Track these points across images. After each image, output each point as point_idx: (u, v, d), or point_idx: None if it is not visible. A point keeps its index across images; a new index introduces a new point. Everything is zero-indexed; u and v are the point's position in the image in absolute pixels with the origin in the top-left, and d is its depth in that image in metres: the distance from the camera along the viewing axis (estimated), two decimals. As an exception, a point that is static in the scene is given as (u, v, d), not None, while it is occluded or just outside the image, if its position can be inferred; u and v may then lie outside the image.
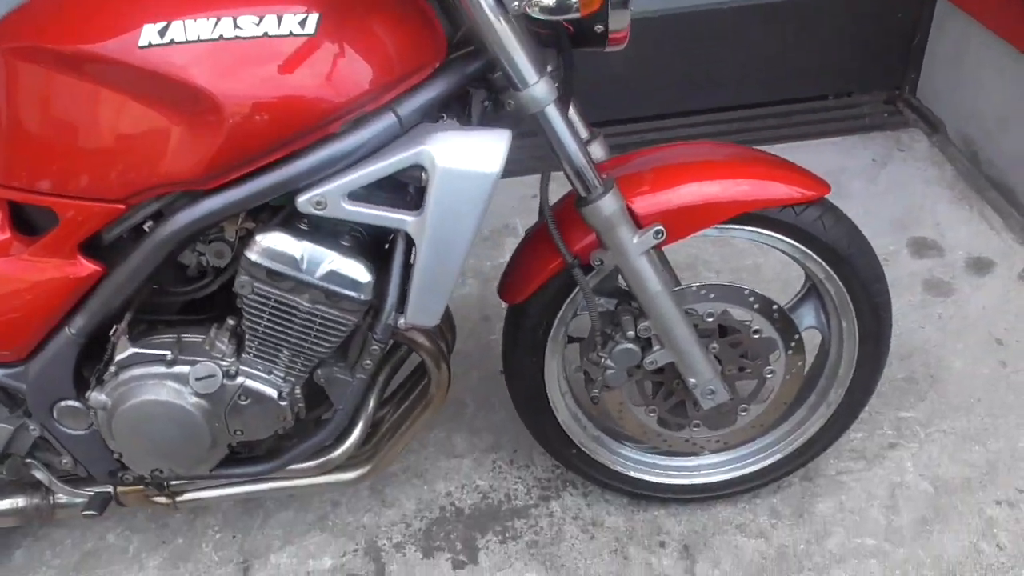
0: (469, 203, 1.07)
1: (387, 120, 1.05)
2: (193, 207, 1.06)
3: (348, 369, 1.24)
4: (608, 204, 1.15)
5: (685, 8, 2.29)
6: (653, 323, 1.27)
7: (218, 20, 0.98)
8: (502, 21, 1.01)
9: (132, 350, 1.19)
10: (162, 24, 0.97)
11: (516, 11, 1.01)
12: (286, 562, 1.54)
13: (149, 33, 0.97)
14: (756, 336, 1.33)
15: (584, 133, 1.25)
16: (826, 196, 1.25)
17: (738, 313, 1.31)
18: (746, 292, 1.29)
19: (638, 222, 1.19)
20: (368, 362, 1.21)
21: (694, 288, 1.29)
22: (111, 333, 1.20)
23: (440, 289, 1.15)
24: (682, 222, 1.21)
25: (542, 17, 1.04)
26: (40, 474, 1.34)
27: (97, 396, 1.19)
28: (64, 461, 1.33)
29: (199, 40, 0.98)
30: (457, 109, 1.17)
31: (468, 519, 1.58)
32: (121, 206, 1.07)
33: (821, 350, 1.47)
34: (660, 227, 1.19)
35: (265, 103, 1.00)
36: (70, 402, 1.23)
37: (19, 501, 1.37)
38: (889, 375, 1.58)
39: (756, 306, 1.31)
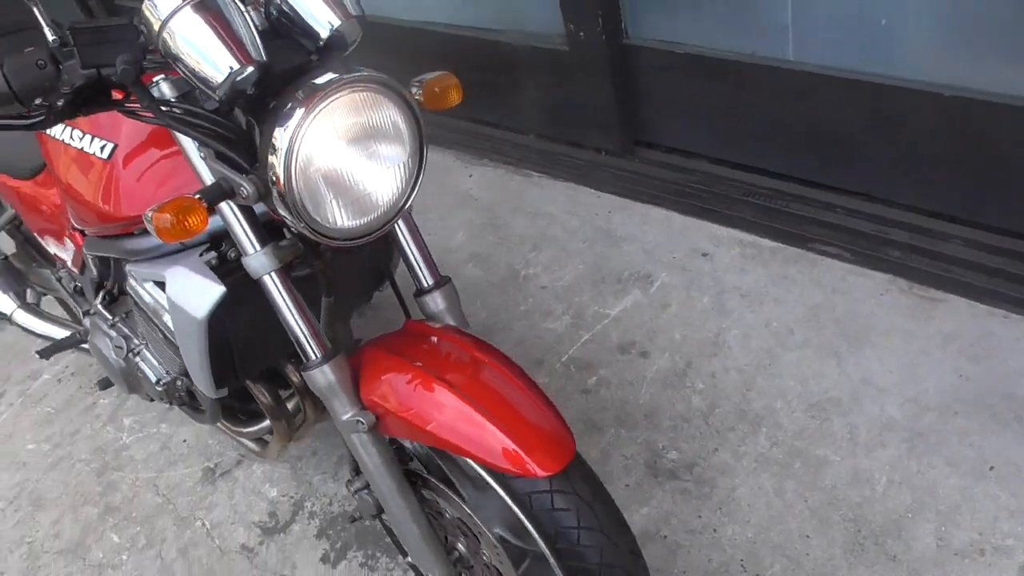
0: (185, 330, 1.27)
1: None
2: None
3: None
4: (319, 376, 1.13)
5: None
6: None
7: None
8: (229, 206, 1.10)
9: None
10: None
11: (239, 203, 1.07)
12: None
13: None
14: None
15: (426, 281, 1.23)
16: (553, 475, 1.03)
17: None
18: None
19: (361, 402, 1.15)
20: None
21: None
22: None
23: (195, 371, 1.33)
24: (398, 427, 1.14)
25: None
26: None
27: None
28: None
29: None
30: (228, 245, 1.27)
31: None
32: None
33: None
34: (368, 418, 1.13)
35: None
36: None
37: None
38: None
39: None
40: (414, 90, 1.16)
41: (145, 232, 1.32)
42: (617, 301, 2.14)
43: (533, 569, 1.24)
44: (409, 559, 1.56)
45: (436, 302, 1.24)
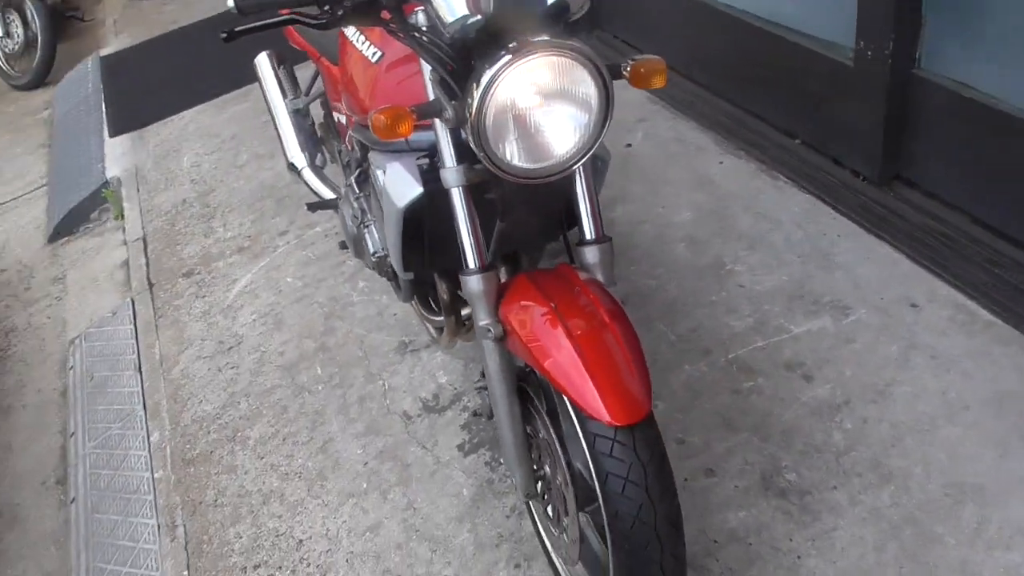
0: (389, 214, 1.54)
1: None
2: None
3: None
4: (472, 282, 1.36)
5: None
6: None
7: None
8: (441, 125, 1.34)
9: None
10: None
11: None
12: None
13: None
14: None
15: (589, 233, 1.41)
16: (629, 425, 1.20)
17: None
18: None
19: (497, 315, 1.36)
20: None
21: None
22: None
23: (392, 251, 1.60)
24: (520, 349, 1.33)
25: None
26: None
27: None
28: None
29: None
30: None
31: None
32: None
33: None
34: (497, 329, 1.36)
35: None
36: None
37: None
38: None
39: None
40: (624, 68, 1.32)
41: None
42: (805, 321, 2.14)
43: (597, 515, 1.40)
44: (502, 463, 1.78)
45: (592, 255, 1.40)
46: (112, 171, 3.92)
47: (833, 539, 1.66)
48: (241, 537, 1.99)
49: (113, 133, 4.26)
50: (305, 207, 2.40)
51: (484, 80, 1.17)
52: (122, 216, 3.60)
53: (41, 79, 5.51)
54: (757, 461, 1.83)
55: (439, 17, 1.23)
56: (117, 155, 4.05)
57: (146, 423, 2.45)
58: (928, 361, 1.96)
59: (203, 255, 3.08)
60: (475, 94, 1.18)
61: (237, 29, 1.30)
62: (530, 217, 1.51)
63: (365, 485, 2.02)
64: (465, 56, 1.26)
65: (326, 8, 1.27)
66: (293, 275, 2.82)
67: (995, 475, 1.69)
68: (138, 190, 3.69)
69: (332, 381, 2.35)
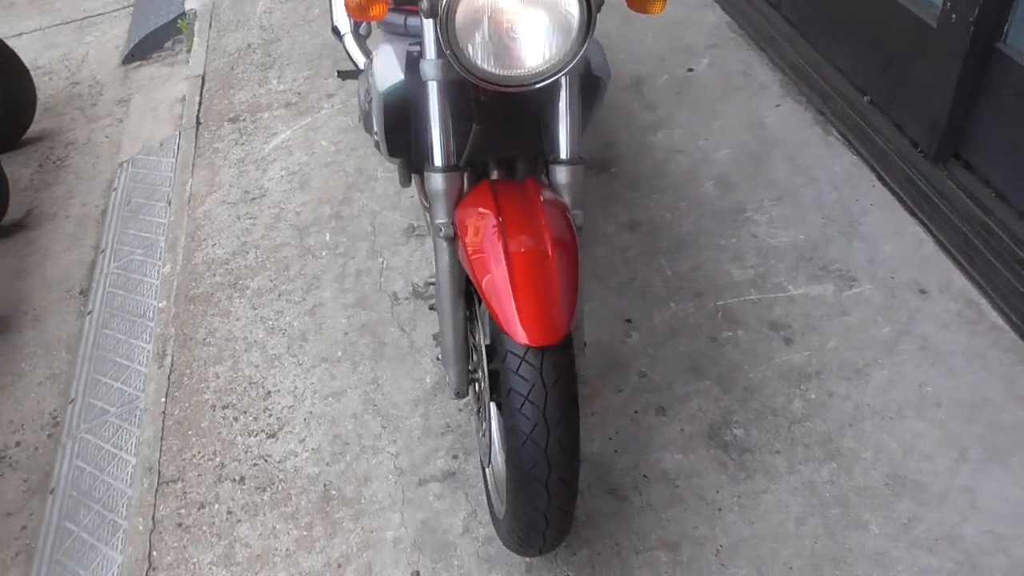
0: (374, 97, 1.55)
1: None
2: None
3: None
4: (434, 180, 1.37)
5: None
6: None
7: None
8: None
9: None
10: None
11: None
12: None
13: None
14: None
15: (562, 153, 1.38)
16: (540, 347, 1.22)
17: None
18: None
19: (453, 217, 1.37)
20: None
21: None
22: None
23: (379, 134, 1.62)
24: (463, 256, 1.33)
25: None
26: None
27: None
28: None
29: None
30: None
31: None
32: None
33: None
34: (448, 231, 1.37)
35: None
36: None
37: None
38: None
39: None
40: None
41: (395, 10, 1.59)
42: (806, 284, 2.08)
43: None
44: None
45: (562, 175, 1.38)
46: (191, 3, 3.97)
47: (759, 500, 1.66)
48: (219, 377, 2.11)
49: (202, -35, 4.29)
50: (336, 72, 2.40)
51: None
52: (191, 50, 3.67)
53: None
54: (711, 411, 1.83)
55: None
56: (200, -11, 4.10)
57: (163, 254, 2.57)
58: (917, 351, 1.89)
59: (252, 103, 3.13)
60: None
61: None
62: (506, 126, 1.49)
63: (340, 354, 2.10)
64: None
65: None
66: (329, 139, 2.86)
67: (942, 478, 1.65)
68: (210, 26, 3.74)
69: (337, 249, 2.41)
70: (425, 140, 1.50)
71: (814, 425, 1.78)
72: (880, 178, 2.37)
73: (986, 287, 2.01)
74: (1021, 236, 2.11)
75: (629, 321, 2.05)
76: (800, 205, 2.31)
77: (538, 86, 1.26)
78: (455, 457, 1.82)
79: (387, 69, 1.47)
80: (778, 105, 2.69)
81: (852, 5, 2.62)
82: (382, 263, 2.34)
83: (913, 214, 2.24)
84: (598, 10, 1.25)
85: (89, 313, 2.54)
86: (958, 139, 2.31)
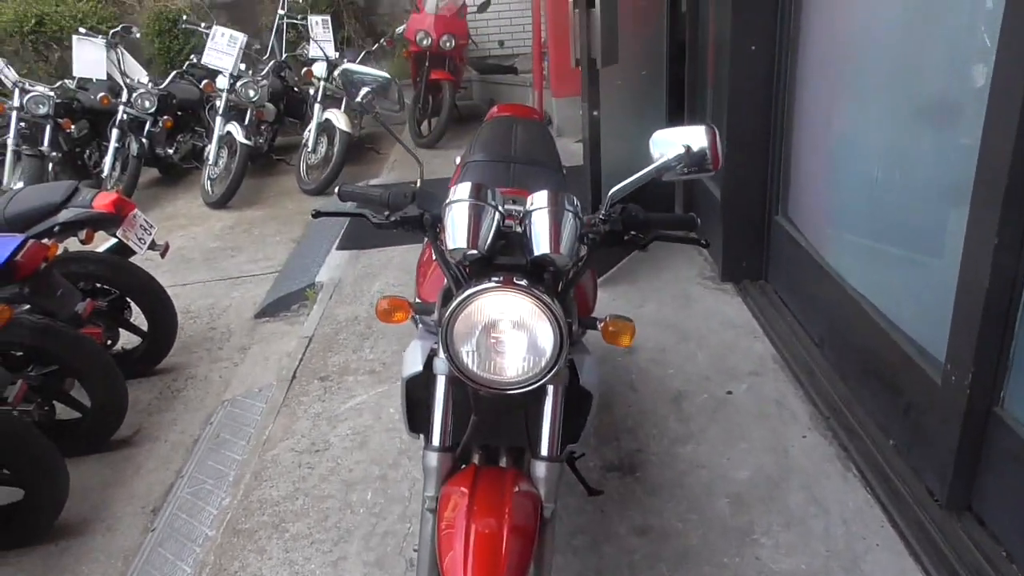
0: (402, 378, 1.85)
1: None
2: None
3: None
4: (428, 457, 1.65)
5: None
6: None
7: None
8: None
9: None
10: None
11: None
12: None
13: None
14: None
15: (542, 450, 1.62)
16: None
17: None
18: None
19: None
20: None
21: None
22: None
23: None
24: (438, 526, 1.53)
25: None
26: None
27: None
28: None
29: None
30: None
31: None
32: None
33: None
34: (433, 505, 1.59)
35: None
36: None
37: None
38: None
39: None
40: (599, 323, 1.60)
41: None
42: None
43: None
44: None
45: (539, 470, 1.64)
46: (321, 277, 4.67)
47: None
48: (236, 609, 2.31)
49: (340, 247, 5.07)
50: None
51: (457, 297, 1.50)
52: (310, 315, 4.27)
53: (324, 188, 6.65)
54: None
55: (444, 243, 1.58)
56: (333, 265, 4.82)
57: (228, 488, 2.90)
58: None
59: (343, 367, 3.59)
60: (448, 305, 1.51)
61: (324, 211, 1.77)
62: (499, 420, 1.77)
63: (346, 606, 2.27)
64: (466, 276, 1.60)
65: (387, 214, 1.69)
66: (397, 407, 3.21)
67: None
68: (331, 297, 4.37)
69: (374, 509, 2.66)
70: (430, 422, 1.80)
71: None
72: (891, 520, 2.43)
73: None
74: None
75: (615, 622, 2.13)
76: (807, 534, 2.39)
77: (518, 392, 1.56)
78: None
79: (411, 359, 1.81)
80: (804, 436, 2.85)
81: (878, 352, 2.84)
82: (408, 528, 2.55)
83: (918, 560, 2.27)
84: (571, 341, 1.57)
85: (153, 530, 2.84)
86: (967, 493, 2.38)
